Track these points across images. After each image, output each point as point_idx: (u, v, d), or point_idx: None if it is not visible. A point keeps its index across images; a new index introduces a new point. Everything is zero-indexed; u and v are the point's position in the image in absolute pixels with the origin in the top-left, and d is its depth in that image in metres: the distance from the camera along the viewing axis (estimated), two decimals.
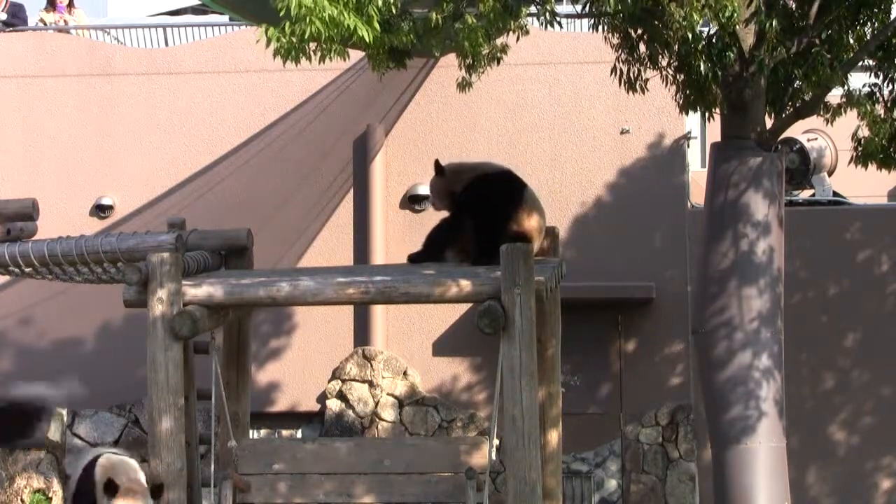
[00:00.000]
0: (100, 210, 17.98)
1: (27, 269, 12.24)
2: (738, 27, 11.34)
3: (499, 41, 11.89)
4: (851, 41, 12.52)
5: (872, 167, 13.17)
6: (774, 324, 11.99)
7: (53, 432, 9.98)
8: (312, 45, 10.54)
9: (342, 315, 17.25)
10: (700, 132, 18.83)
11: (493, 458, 10.76)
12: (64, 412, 10.25)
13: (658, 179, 17.31)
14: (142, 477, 8.99)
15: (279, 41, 10.42)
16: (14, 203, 12.71)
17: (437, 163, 10.90)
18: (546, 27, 11.61)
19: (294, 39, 10.32)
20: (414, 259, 11.36)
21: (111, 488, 9.41)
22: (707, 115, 12.66)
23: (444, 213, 11.14)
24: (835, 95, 12.99)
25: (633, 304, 17.07)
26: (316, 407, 17.30)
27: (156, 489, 8.64)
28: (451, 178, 10.94)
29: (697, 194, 16.38)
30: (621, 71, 12.40)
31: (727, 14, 10.71)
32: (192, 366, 11.44)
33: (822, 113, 12.86)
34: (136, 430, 16.92)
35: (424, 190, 16.61)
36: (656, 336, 17.19)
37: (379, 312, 17.28)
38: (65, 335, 17.52)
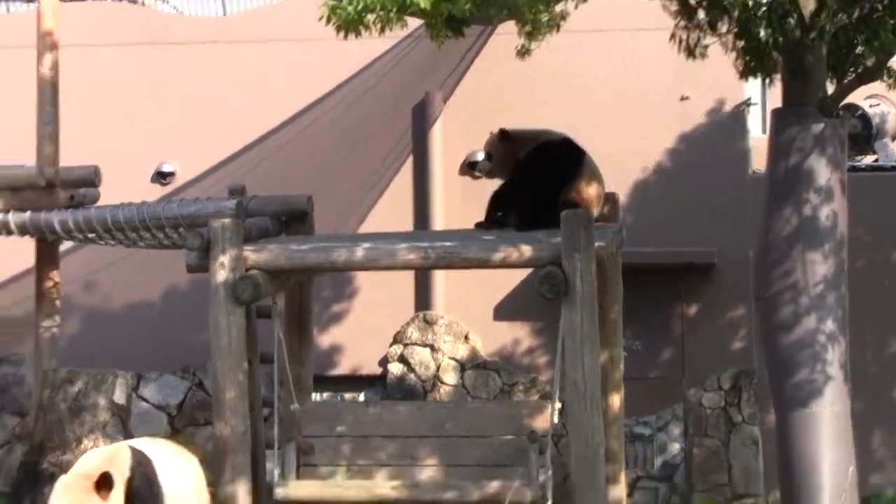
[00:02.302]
0: (161, 177, 18.12)
1: (90, 235, 12.39)
2: None
3: (558, 7, 11.86)
4: None
5: None
6: (839, 289, 11.93)
7: (119, 395, 10.10)
8: (371, 17, 10.55)
9: (403, 280, 17.30)
10: (761, 98, 18.71)
11: (556, 421, 10.80)
12: (129, 375, 10.37)
13: (718, 145, 17.24)
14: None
15: (338, 15, 10.45)
16: (77, 170, 12.85)
17: (503, 131, 10.97)
18: None
19: (352, 11, 10.35)
20: (481, 226, 11.42)
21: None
22: (768, 81, 12.58)
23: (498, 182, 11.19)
24: None
25: (694, 269, 17.04)
26: (378, 371, 17.39)
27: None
28: (515, 145, 11.00)
29: (758, 160, 16.30)
30: (680, 38, 12.35)
31: None
32: (254, 330, 11.53)
33: (884, 78, 12.74)
34: (200, 392, 17.07)
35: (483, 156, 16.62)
36: (718, 301, 17.15)
37: (440, 277, 17.33)
38: (129, 299, 17.70)
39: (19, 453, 15.65)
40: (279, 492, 10.75)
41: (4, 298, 17.79)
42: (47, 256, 14.08)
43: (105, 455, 8.10)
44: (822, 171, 11.92)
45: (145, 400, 16.90)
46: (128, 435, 10.34)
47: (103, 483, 7.72)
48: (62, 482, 7.83)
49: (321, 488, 10.91)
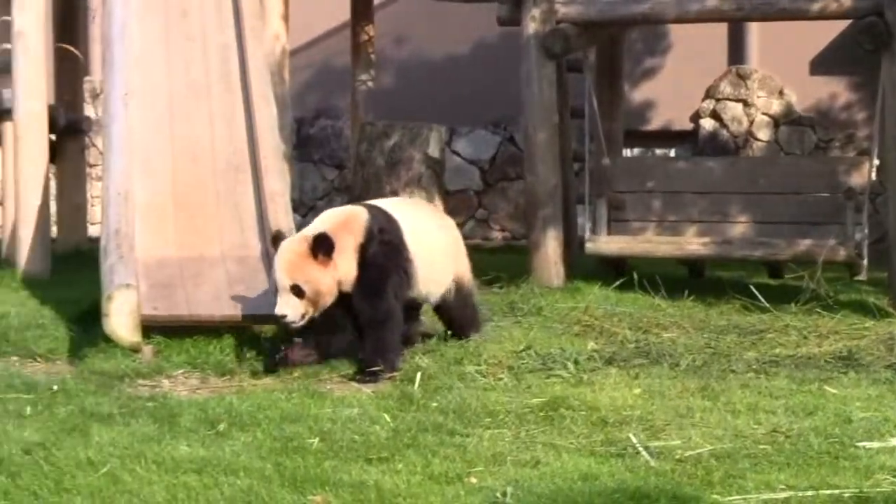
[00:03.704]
0: None
1: None
2: None
3: None
4: None
5: None
6: None
7: (433, 149, 10.25)
8: None
9: (716, 32, 16.91)
10: None
11: (873, 178, 10.54)
12: (443, 129, 10.51)
13: None
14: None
15: None
16: None
17: None
18: None
19: None
20: None
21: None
22: None
23: None
24: None
25: None
26: (689, 126, 17.19)
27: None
28: None
29: None
30: None
31: None
32: (565, 84, 11.54)
33: None
34: (511, 147, 17.23)
35: None
36: None
37: (754, 30, 16.88)
38: (441, 53, 17.84)
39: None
40: (589, 246, 10.84)
41: (321, 52, 18.17)
42: (362, 10, 14.28)
43: (339, 218, 7.44)
44: None
45: (458, 154, 17.17)
46: (441, 188, 10.49)
47: (320, 246, 7.08)
48: (286, 242, 7.26)
49: (631, 243, 10.96)
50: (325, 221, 7.42)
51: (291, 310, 7.10)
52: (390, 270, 7.40)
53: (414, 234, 7.61)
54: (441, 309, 8.04)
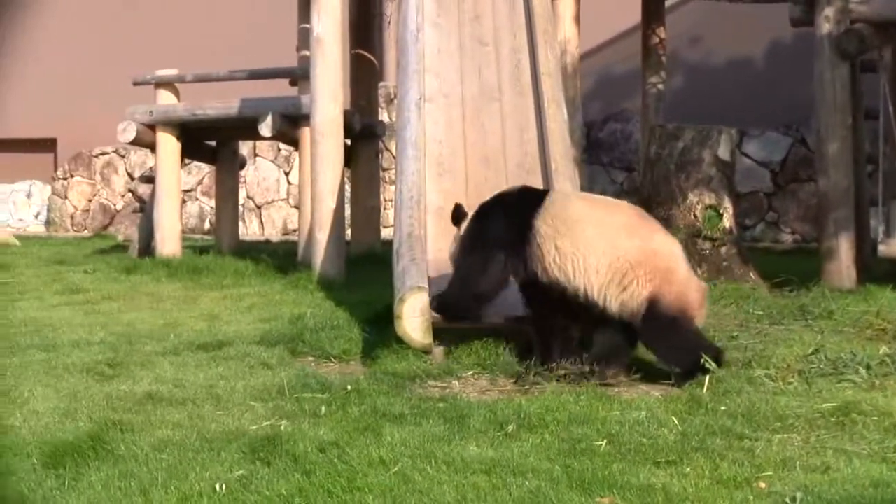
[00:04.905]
0: None
1: None
2: None
3: None
4: None
5: None
6: None
7: (723, 151, 10.17)
8: None
9: None
10: None
11: None
12: (733, 131, 10.42)
13: None
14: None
15: None
16: None
17: None
18: None
19: None
20: None
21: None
22: None
23: None
24: None
25: None
26: None
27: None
28: None
29: None
30: None
31: None
32: (859, 85, 11.30)
33: None
34: (802, 149, 16.96)
35: None
36: None
37: None
38: (732, 55, 17.68)
39: None
40: (882, 248, 10.60)
41: (610, 56, 18.21)
42: (653, 12, 14.25)
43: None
44: None
45: (748, 156, 16.99)
46: (731, 190, 10.39)
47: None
48: None
49: None
50: None
51: None
52: (476, 233, 7.55)
53: (563, 221, 7.20)
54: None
